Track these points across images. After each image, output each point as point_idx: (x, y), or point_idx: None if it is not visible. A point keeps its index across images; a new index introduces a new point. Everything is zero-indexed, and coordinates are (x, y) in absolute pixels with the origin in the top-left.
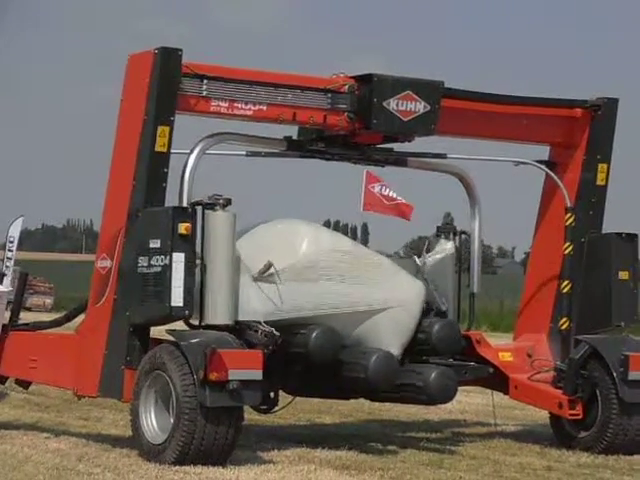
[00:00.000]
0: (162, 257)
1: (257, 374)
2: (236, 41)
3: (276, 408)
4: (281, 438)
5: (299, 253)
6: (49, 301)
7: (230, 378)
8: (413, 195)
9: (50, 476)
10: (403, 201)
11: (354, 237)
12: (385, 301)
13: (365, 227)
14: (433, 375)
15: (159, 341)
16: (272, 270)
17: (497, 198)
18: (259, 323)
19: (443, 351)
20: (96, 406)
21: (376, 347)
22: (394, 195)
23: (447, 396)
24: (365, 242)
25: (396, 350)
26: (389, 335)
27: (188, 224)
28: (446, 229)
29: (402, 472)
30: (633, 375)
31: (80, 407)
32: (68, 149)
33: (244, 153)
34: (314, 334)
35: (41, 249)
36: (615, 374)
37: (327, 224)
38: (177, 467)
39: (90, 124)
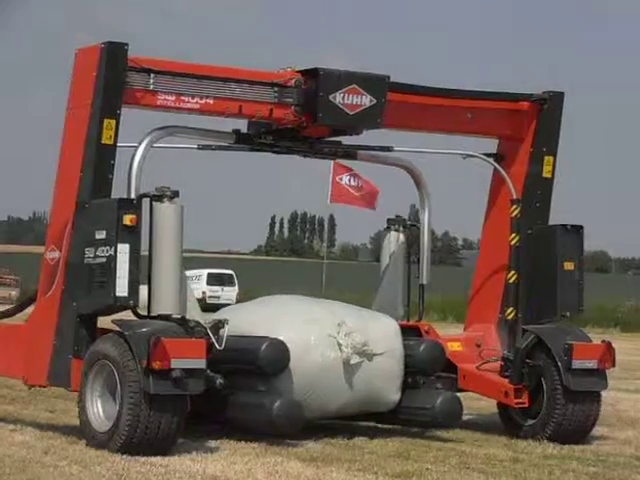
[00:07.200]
0: (107, 248)
1: (200, 363)
2: (196, 32)
3: None
4: (248, 430)
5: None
6: (14, 293)
7: (173, 367)
8: (379, 187)
9: (16, 469)
10: (371, 183)
11: (321, 229)
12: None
13: (332, 219)
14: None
15: (106, 331)
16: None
17: (457, 190)
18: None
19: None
20: (62, 398)
21: (376, 395)
22: (361, 184)
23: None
24: (332, 234)
25: (396, 395)
26: (385, 384)
27: (133, 216)
28: (396, 221)
29: (369, 464)
30: (577, 364)
31: (46, 399)
32: (34, 140)
33: (195, 146)
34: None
35: (7, 241)
36: (560, 363)
37: (294, 216)
38: (144, 459)
39: (54, 114)
